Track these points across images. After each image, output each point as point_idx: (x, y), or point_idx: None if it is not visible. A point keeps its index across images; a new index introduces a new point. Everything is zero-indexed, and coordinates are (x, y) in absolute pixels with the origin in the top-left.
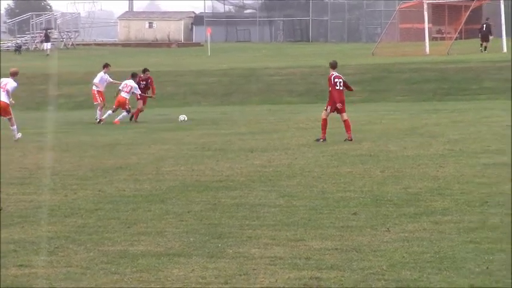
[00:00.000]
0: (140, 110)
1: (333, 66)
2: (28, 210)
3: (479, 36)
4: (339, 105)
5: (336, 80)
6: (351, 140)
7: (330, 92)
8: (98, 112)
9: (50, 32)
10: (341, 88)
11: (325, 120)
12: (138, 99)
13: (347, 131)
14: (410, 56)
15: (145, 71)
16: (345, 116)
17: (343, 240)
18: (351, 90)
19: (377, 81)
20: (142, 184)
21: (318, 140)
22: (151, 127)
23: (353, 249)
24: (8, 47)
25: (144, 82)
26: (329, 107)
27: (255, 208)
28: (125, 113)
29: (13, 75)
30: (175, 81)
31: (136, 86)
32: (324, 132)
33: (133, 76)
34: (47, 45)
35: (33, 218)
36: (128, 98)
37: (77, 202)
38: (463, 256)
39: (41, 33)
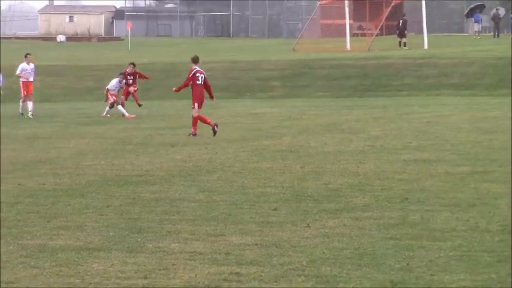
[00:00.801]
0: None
1: (195, 61)
2: None
3: (397, 32)
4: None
5: (197, 75)
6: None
7: (192, 87)
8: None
9: None
10: (202, 83)
11: (198, 117)
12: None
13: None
14: (331, 52)
15: (132, 65)
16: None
17: (263, 236)
18: (210, 93)
19: (297, 77)
20: (62, 178)
21: (190, 134)
22: (70, 121)
23: (273, 244)
24: None
25: (132, 77)
26: (196, 104)
27: (175, 203)
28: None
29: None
30: (95, 75)
31: (114, 84)
32: (195, 128)
33: (121, 73)
34: None
35: None
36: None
37: None
38: (383, 252)
39: None
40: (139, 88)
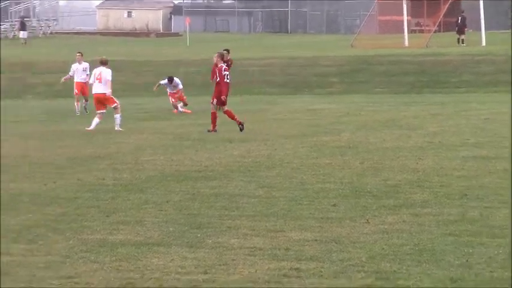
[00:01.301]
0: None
1: (223, 57)
2: (7, 199)
3: (456, 29)
4: (223, 98)
5: (225, 73)
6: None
7: (217, 83)
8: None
9: (26, 20)
10: (229, 81)
11: (214, 114)
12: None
13: (235, 118)
14: (389, 48)
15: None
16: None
17: (322, 232)
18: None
19: (356, 73)
20: (121, 173)
21: (209, 131)
22: (129, 116)
23: (332, 240)
24: None
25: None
26: (215, 100)
27: (234, 198)
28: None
29: (104, 63)
30: (154, 71)
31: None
32: (214, 125)
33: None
34: (23, 34)
35: (12, 207)
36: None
37: (56, 191)
38: (442, 249)
39: (18, 21)
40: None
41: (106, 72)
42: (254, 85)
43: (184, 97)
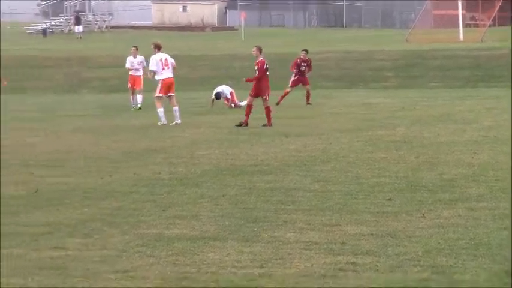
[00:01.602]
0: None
1: (261, 50)
2: (63, 193)
3: (511, 23)
4: (266, 95)
5: (267, 67)
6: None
7: (259, 79)
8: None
9: (81, 15)
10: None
11: (250, 107)
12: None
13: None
14: (444, 42)
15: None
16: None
17: (378, 226)
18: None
19: (411, 68)
20: (177, 167)
21: (240, 125)
22: (185, 111)
23: (388, 234)
24: (34, 30)
25: (305, 63)
26: (253, 93)
27: (290, 192)
28: None
29: (160, 48)
30: (209, 65)
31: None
32: (248, 118)
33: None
34: (78, 28)
35: (68, 201)
36: None
37: (112, 185)
38: (498, 243)
39: (73, 16)
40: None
41: (170, 58)
42: (309, 79)
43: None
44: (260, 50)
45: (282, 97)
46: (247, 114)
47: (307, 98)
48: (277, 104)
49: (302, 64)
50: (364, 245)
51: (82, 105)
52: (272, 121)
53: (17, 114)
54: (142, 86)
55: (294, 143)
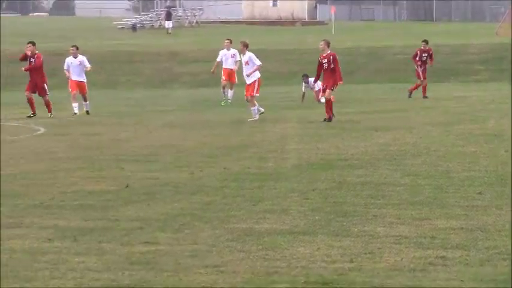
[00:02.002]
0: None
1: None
2: (154, 188)
3: None
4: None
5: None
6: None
7: (336, 71)
8: None
9: (172, 10)
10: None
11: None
12: None
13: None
14: None
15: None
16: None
17: (468, 220)
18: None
19: (501, 61)
20: (267, 162)
21: (326, 120)
22: (275, 105)
23: (478, 228)
24: (124, 25)
25: (426, 54)
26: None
27: (380, 187)
28: None
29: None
30: (299, 59)
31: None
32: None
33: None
34: (168, 24)
35: (159, 195)
36: None
37: (202, 180)
38: None
39: (164, 11)
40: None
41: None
42: (401, 73)
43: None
44: (328, 44)
45: (414, 89)
46: (331, 109)
47: (424, 90)
48: (409, 95)
49: (423, 55)
50: (454, 239)
51: (172, 100)
52: (331, 114)
53: (108, 109)
54: (236, 80)
55: (384, 137)
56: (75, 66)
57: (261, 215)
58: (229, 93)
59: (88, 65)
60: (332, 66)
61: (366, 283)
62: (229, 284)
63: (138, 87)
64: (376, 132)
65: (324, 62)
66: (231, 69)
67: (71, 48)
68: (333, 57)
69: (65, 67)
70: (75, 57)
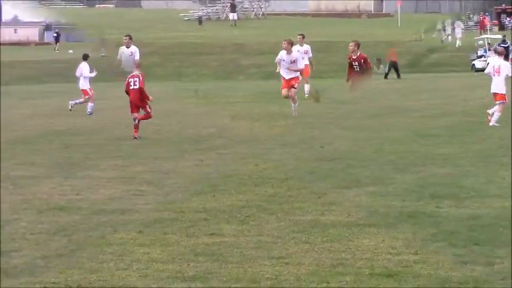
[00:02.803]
0: None
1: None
2: (219, 180)
3: None
4: None
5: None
6: None
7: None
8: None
9: (237, 2)
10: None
11: None
12: None
13: None
14: None
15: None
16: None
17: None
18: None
19: None
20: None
21: None
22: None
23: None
24: (190, 17)
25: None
26: None
27: None
28: None
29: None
30: (364, 51)
31: None
32: None
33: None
34: (233, 16)
35: (223, 187)
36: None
37: (267, 171)
38: None
39: (229, 3)
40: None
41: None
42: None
43: None
44: (358, 46)
45: None
46: None
47: None
48: None
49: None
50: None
51: (238, 92)
52: None
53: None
54: (309, 73)
55: None
56: (127, 56)
57: (326, 207)
58: (306, 87)
59: (137, 57)
60: (363, 67)
61: (431, 276)
62: (294, 275)
63: (204, 79)
64: None
65: (355, 64)
66: (305, 64)
67: (124, 38)
68: (363, 59)
69: (118, 56)
70: (127, 47)
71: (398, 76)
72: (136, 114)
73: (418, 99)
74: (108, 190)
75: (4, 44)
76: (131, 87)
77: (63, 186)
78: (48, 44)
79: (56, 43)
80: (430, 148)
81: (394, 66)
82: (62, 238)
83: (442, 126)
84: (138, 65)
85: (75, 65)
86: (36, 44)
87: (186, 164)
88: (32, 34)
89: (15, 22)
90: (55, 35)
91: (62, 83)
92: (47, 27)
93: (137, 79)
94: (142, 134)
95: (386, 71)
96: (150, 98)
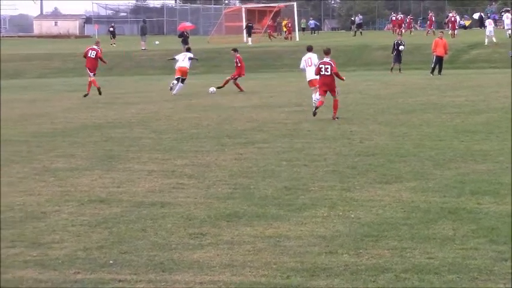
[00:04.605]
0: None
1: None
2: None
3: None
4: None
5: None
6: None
7: None
8: None
9: None
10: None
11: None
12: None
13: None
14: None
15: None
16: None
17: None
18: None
19: None
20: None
21: None
22: None
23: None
24: None
25: None
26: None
27: None
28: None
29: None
30: None
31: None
32: None
33: None
34: None
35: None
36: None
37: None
38: None
39: None
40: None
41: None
42: None
43: None
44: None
45: None
46: None
47: None
48: None
49: None
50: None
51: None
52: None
53: None
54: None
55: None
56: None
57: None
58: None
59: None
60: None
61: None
62: None
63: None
64: None
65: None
66: None
67: None
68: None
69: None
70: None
71: (440, 72)
72: (322, 98)
73: (457, 96)
74: (148, 183)
75: (43, 37)
76: (322, 73)
77: (103, 178)
78: (88, 37)
79: (112, 37)
80: (469, 144)
81: (439, 61)
82: (103, 230)
83: (481, 122)
84: None
85: (118, 58)
86: (77, 37)
87: (226, 158)
88: (73, 27)
89: (55, 15)
90: (111, 29)
91: (101, 76)
92: (87, 20)
93: (329, 66)
94: (182, 127)
95: (433, 66)
96: (343, 78)
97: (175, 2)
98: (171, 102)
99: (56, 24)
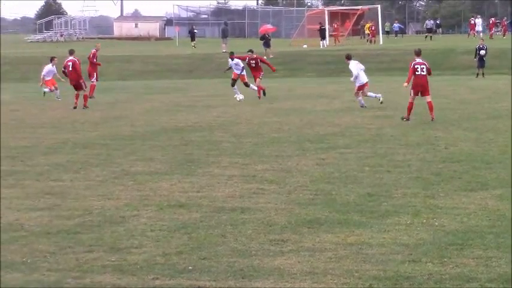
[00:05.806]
0: None
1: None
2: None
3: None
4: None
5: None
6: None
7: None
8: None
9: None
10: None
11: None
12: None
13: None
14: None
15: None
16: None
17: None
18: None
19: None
20: None
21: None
22: None
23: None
24: None
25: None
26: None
27: None
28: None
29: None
30: None
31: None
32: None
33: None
34: None
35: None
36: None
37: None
38: None
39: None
40: None
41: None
42: None
43: None
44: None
45: None
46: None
47: None
48: None
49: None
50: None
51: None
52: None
53: None
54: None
55: None
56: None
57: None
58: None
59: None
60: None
61: None
62: None
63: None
64: None
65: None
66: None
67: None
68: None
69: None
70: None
71: None
72: (412, 99)
73: None
74: (228, 188)
75: (123, 38)
76: (417, 73)
77: (183, 183)
78: (169, 39)
79: (193, 40)
80: None
81: None
82: (182, 236)
83: None
84: None
85: (198, 61)
86: (157, 39)
87: (307, 163)
88: (153, 29)
89: (136, 16)
90: (195, 31)
91: (181, 78)
92: (168, 22)
93: (424, 66)
94: (262, 131)
95: None
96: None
97: (257, 4)
98: (252, 106)
99: (136, 26)
